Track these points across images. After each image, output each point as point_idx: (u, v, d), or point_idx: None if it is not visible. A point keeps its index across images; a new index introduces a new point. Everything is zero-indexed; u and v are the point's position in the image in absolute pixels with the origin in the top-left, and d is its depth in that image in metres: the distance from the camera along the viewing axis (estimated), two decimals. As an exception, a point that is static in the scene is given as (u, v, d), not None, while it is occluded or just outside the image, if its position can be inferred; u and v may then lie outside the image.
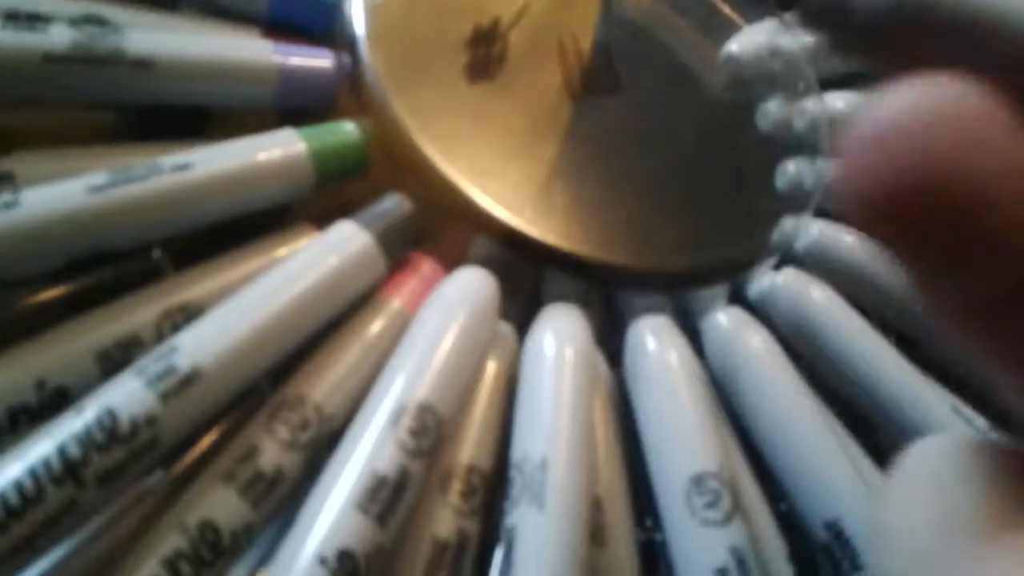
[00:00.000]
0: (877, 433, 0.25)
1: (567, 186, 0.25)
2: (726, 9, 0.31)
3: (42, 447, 0.17)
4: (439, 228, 0.24)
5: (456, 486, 0.20)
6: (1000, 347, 0.11)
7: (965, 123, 0.09)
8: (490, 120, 0.25)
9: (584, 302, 0.24)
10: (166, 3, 0.24)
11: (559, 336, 0.22)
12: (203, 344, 0.19)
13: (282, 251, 0.22)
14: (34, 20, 0.21)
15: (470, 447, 0.21)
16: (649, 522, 0.22)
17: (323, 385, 0.20)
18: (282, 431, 0.19)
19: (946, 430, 0.23)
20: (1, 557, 0.16)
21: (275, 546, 0.18)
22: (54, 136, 0.22)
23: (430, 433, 0.19)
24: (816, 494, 0.22)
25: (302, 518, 0.18)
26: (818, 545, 0.21)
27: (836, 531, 0.21)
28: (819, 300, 0.25)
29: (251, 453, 0.19)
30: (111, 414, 0.17)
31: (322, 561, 0.17)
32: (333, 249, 0.21)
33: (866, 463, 0.24)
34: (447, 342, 0.20)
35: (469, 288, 0.22)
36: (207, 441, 0.20)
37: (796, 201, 0.28)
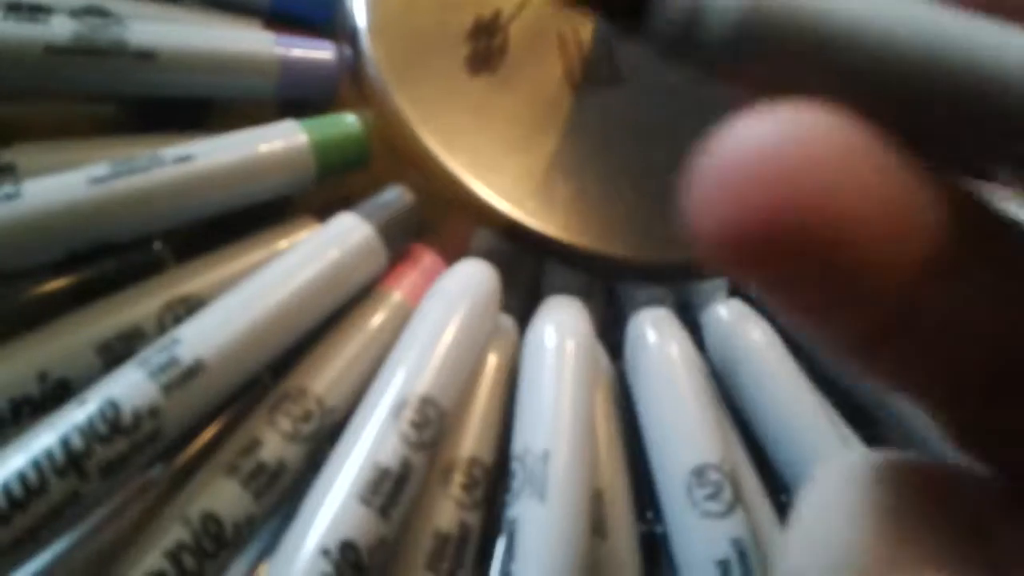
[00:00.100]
0: (877, 425, 0.25)
1: (568, 178, 0.25)
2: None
3: (45, 439, 0.17)
4: (440, 220, 0.24)
5: (458, 478, 0.20)
6: (891, 379, 0.11)
7: (818, 157, 0.08)
8: (491, 112, 0.25)
9: (585, 295, 0.24)
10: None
11: (560, 329, 0.22)
12: (205, 336, 0.19)
13: (283, 243, 0.22)
14: (36, 11, 0.21)
15: (471, 440, 0.21)
16: (650, 514, 0.22)
17: (325, 377, 0.20)
18: (284, 423, 0.19)
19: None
20: (5, 548, 0.16)
21: (278, 538, 0.18)
22: (56, 128, 0.22)
23: (432, 425, 0.19)
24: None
25: (304, 510, 0.18)
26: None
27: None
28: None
29: (253, 445, 0.19)
30: (114, 406, 0.17)
31: (325, 553, 0.17)
32: (334, 241, 0.21)
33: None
34: (448, 335, 0.20)
35: (470, 281, 0.22)
36: (209, 433, 0.20)
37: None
